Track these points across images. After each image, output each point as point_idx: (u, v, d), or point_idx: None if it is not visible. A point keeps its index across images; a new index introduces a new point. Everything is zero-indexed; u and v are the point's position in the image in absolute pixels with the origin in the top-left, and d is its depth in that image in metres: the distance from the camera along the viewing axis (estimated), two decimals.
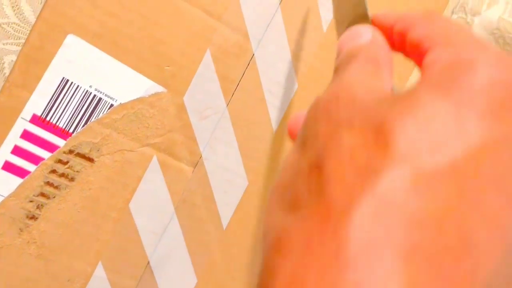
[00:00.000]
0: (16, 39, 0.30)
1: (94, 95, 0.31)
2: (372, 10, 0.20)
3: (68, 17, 0.30)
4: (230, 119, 0.34)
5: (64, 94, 0.31)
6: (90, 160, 0.32)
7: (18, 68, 0.30)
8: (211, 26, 0.33)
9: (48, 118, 0.30)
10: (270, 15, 0.34)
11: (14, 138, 0.30)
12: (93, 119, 0.31)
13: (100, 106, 0.31)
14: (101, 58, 0.31)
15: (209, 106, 0.34)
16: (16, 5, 0.30)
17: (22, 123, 0.30)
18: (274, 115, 0.36)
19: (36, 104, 0.30)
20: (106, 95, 0.31)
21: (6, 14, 0.30)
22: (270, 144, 0.36)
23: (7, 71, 0.31)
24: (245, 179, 0.36)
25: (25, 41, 0.30)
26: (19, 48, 0.30)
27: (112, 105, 0.32)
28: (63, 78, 0.30)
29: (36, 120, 0.30)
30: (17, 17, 0.30)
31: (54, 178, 0.31)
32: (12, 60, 0.31)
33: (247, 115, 0.35)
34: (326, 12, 0.35)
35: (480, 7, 0.46)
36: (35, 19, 0.29)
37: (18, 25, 0.30)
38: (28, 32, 0.29)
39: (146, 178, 0.33)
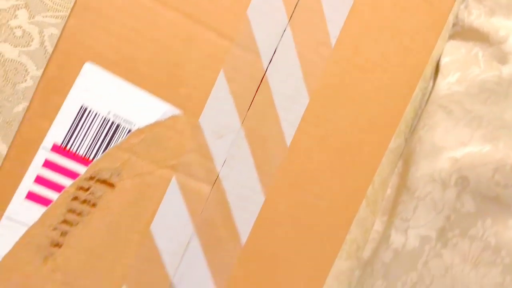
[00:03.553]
0: (55, 11, 0.30)
1: (113, 122, 0.31)
2: None
3: (84, 46, 0.30)
4: (245, 136, 0.35)
5: (83, 122, 0.31)
6: (111, 185, 0.32)
7: (37, 98, 0.30)
8: (223, 47, 0.33)
9: (68, 147, 0.31)
10: (280, 33, 0.35)
11: (36, 168, 0.30)
12: (112, 145, 0.32)
13: (118, 132, 0.32)
14: (118, 84, 0.31)
15: (224, 126, 0.34)
16: None
17: (44, 153, 0.30)
18: (287, 130, 0.36)
19: (56, 133, 0.30)
20: (124, 120, 0.32)
21: None
22: (284, 159, 0.36)
23: (47, 44, 0.30)
24: (262, 195, 0.36)
25: (43, 72, 0.30)
26: (58, 20, 0.30)
27: (130, 130, 0.32)
28: (82, 106, 0.31)
29: (56, 149, 0.31)
30: None
31: (76, 205, 0.31)
32: (51, 33, 0.30)
33: (261, 132, 0.35)
34: (334, 28, 0.36)
35: None
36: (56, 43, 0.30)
37: None
38: (68, 4, 0.30)
39: (166, 199, 0.33)
